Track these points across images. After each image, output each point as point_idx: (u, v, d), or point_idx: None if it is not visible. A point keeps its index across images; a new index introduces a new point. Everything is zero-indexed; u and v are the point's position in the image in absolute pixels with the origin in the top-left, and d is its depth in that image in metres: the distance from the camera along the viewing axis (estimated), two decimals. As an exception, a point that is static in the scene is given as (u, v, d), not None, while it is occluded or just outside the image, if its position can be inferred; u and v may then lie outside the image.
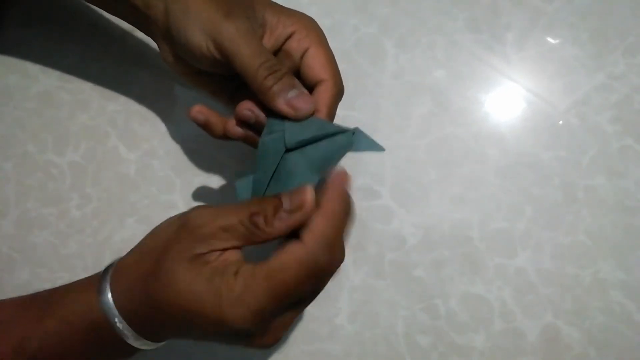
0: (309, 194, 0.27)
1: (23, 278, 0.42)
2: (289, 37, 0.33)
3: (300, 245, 0.26)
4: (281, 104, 0.30)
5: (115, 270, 0.29)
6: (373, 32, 0.45)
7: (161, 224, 0.29)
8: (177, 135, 0.44)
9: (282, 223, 0.27)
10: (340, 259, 0.28)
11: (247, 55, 0.30)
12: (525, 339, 0.40)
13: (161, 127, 0.44)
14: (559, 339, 0.40)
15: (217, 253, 0.27)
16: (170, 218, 0.29)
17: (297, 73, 0.33)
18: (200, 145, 0.44)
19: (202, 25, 0.31)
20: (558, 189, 0.42)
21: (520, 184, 0.42)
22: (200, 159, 0.44)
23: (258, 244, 0.27)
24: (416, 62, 0.44)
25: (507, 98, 0.43)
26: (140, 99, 0.44)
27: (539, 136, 0.42)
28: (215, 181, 0.43)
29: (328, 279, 0.28)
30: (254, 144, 0.33)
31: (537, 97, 0.43)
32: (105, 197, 0.43)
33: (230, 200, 0.43)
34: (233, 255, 0.27)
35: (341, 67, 0.33)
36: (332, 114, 0.33)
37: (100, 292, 0.28)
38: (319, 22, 0.34)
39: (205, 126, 0.34)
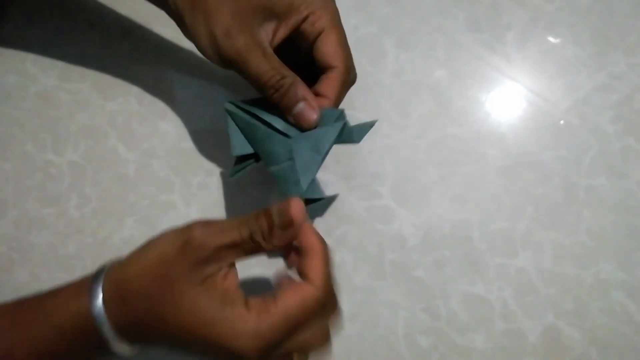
0: (295, 209, 0.28)
1: (22, 278, 0.42)
2: (304, 20, 0.34)
3: (310, 285, 0.28)
4: (289, 118, 0.33)
5: (112, 279, 0.28)
6: (373, 31, 0.44)
7: (161, 237, 0.29)
8: (176, 135, 0.44)
9: (278, 240, 0.28)
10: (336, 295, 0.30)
11: (250, 73, 0.32)
12: (526, 339, 0.40)
13: (161, 127, 0.44)
14: (560, 339, 0.40)
15: (223, 273, 0.28)
16: (171, 232, 0.29)
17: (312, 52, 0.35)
18: (200, 145, 0.44)
19: (207, 41, 0.33)
20: (559, 189, 0.42)
21: (521, 184, 0.42)
22: (200, 159, 0.43)
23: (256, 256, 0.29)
24: (416, 62, 0.44)
25: (508, 98, 0.43)
26: (140, 98, 0.44)
27: (539, 136, 0.42)
28: (214, 181, 0.43)
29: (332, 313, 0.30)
30: None
31: (538, 97, 0.43)
32: (104, 197, 0.43)
33: (230, 200, 0.43)
34: (234, 278, 0.28)
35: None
36: (338, 101, 0.34)
37: (92, 295, 0.27)
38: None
39: None
